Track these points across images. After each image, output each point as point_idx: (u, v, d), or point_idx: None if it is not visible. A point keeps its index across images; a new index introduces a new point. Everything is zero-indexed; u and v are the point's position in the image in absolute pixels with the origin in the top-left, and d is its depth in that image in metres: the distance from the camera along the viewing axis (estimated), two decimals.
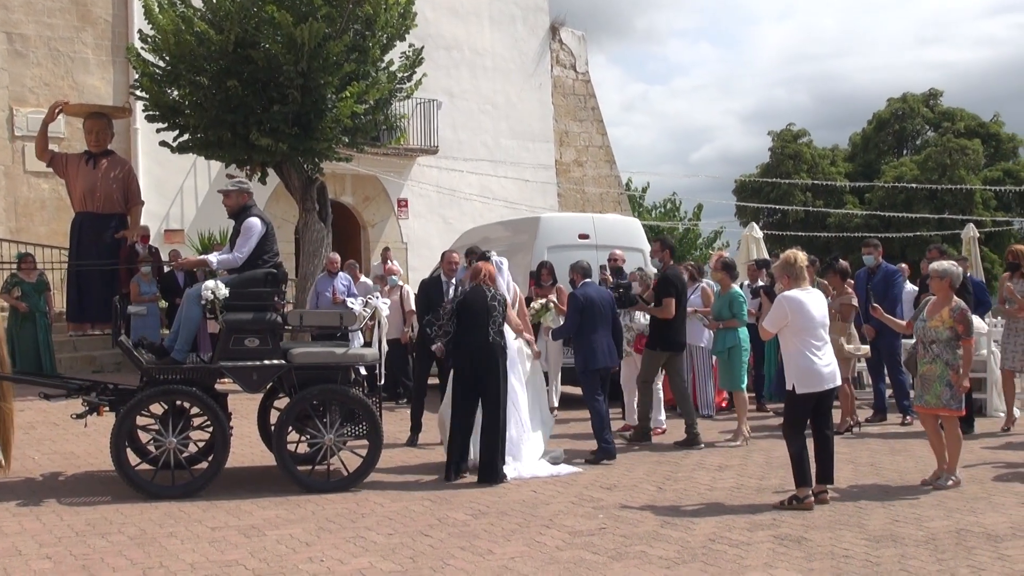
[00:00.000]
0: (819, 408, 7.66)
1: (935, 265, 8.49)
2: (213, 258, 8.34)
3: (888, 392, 12.25)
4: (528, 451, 8.97)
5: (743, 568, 5.90)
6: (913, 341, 8.82)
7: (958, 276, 8.45)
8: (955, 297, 8.31)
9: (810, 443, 7.65)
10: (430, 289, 10.63)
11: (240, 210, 8.36)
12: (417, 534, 6.66)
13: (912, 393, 11.52)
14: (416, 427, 10.53)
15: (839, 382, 7.84)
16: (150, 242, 16.84)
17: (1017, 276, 10.83)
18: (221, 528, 6.77)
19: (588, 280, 10.06)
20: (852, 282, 12.22)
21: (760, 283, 12.70)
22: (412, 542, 6.45)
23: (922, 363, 8.29)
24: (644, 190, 37.02)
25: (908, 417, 11.58)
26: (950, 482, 8.13)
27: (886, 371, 12.09)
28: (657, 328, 10.61)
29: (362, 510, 7.34)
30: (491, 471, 8.37)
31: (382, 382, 8.93)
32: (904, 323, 9.41)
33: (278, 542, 6.43)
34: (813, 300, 7.65)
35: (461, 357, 8.61)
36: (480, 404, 8.60)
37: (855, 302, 11.16)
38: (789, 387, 7.64)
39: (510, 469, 8.65)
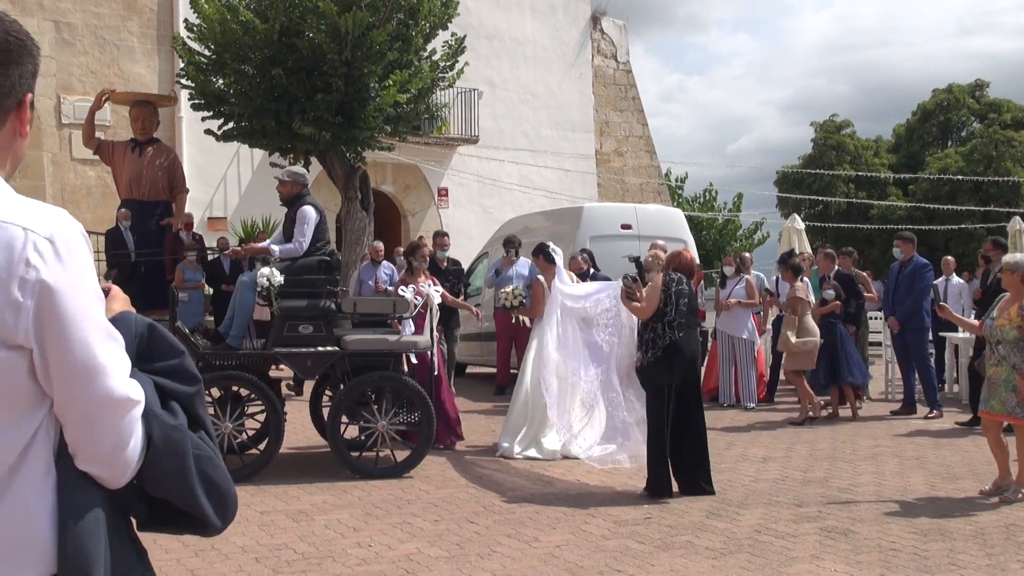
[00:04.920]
0: None
1: (1007, 258, 7.63)
2: (276, 247, 8.38)
3: (918, 386, 12.09)
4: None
5: (790, 560, 5.88)
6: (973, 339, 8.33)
7: None
8: None
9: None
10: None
11: (294, 198, 8.42)
12: (463, 521, 6.70)
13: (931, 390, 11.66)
14: None
15: None
16: (194, 229, 17.07)
17: None
18: (270, 512, 6.86)
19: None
20: (867, 275, 12.38)
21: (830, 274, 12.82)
22: (459, 528, 6.50)
23: (989, 365, 7.49)
24: (682, 180, 36.82)
25: (935, 411, 11.57)
26: (1020, 495, 7.35)
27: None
28: None
29: (408, 496, 7.40)
30: (708, 480, 7.65)
31: (436, 371, 8.95)
32: (977, 323, 8.14)
33: (326, 527, 6.50)
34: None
35: (678, 364, 7.39)
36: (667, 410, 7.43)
37: (801, 294, 11.38)
38: None
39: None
